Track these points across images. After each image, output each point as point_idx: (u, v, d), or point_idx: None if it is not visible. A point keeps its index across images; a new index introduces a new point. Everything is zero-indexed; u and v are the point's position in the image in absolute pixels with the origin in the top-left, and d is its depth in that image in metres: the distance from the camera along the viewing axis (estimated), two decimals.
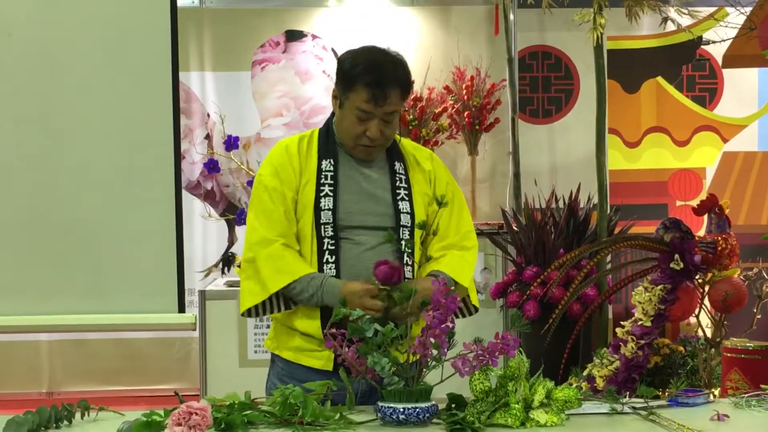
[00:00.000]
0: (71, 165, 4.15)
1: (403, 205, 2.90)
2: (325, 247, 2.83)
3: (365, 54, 2.87)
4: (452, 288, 2.54)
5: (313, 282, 2.79)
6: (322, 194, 2.85)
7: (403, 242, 2.83)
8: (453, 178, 3.08)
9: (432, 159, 3.03)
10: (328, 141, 2.93)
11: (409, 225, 2.89)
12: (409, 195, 2.92)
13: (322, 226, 2.83)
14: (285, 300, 2.84)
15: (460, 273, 2.88)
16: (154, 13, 4.20)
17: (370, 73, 2.79)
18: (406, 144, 3.04)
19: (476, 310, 3.00)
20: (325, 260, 2.83)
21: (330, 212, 2.83)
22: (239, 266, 4.53)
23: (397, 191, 2.91)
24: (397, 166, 2.95)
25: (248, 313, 2.87)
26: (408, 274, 2.83)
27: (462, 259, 2.92)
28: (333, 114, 2.96)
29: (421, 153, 3.04)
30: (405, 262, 2.83)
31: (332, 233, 2.83)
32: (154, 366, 5.82)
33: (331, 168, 2.88)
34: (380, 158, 2.95)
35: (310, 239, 2.84)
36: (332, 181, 2.86)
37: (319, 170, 2.87)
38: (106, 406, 2.56)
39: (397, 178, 2.93)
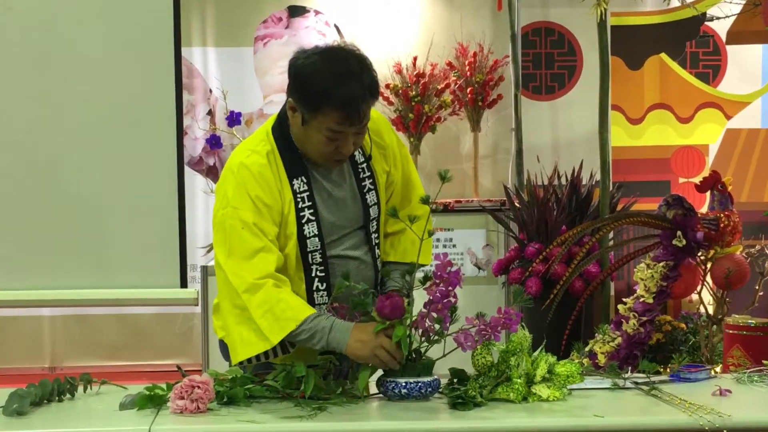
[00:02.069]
0: (73, 141, 4.15)
1: (371, 198, 2.66)
2: (313, 274, 2.59)
3: (327, 65, 2.48)
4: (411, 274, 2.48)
5: (317, 323, 2.44)
6: (304, 221, 2.56)
7: (374, 236, 2.68)
8: (397, 136, 2.78)
9: (389, 130, 2.74)
10: (293, 156, 2.58)
11: (376, 216, 2.68)
12: (374, 183, 2.68)
13: (309, 255, 2.57)
14: (283, 345, 2.48)
15: (414, 256, 2.61)
16: None
17: (340, 91, 2.43)
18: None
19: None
20: (315, 288, 2.59)
21: (316, 238, 2.57)
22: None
23: (363, 183, 2.66)
24: (357, 156, 2.65)
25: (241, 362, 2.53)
26: (380, 265, 2.72)
27: (413, 244, 2.66)
28: (285, 115, 2.59)
29: (379, 128, 2.71)
30: (377, 255, 2.70)
31: (321, 259, 2.59)
32: (156, 341, 5.82)
33: (306, 187, 2.58)
34: None
35: (294, 268, 2.57)
36: (310, 203, 2.57)
37: (294, 192, 2.56)
38: (109, 380, 2.57)
39: (360, 170, 2.66)
